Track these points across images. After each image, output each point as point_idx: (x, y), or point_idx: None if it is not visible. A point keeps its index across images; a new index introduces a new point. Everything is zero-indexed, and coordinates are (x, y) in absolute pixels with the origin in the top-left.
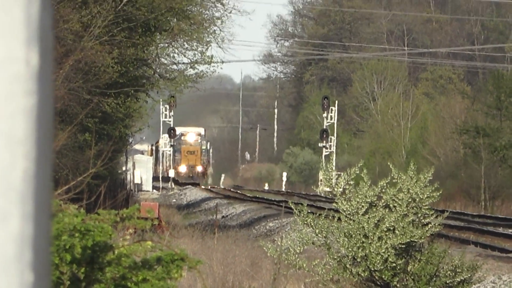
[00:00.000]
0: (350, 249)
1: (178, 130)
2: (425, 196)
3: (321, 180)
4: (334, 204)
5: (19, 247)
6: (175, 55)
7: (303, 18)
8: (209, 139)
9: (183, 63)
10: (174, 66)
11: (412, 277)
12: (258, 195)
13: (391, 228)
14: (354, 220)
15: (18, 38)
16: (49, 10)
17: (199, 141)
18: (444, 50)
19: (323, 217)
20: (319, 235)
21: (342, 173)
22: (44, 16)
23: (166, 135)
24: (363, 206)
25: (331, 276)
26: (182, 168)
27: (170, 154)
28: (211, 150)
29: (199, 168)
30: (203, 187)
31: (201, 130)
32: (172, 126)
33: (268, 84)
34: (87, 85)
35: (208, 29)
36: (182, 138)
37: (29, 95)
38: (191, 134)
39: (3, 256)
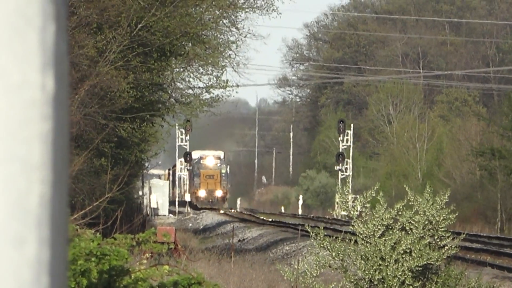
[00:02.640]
0: (367, 272)
1: (197, 153)
2: (442, 218)
3: (337, 203)
4: (351, 227)
5: (36, 272)
6: (191, 79)
7: (318, 42)
8: (228, 163)
9: (199, 87)
10: (190, 91)
11: None
12: (275, 219)
13: (408, 251)
14: (370, 243)
15: (34, 63)
16: (64, 36)
17: (219, 164)
18: (459, 73)
19: (339, 240)
20: (335, 258)
21: (358, 196)
22: (60, 41)
23: (182, 159)
24: (379, 229)
25: None
26: (201, 193)
27: (186, 178)
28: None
29: (219, 193)
30: (222, 211)
31: (221, 154)
32: (188, 150)
33: (284, 107)
34: (103, 110)
35: (223, 54)
36: (201, 162)
37: (45, 120)
38: (210, 158)
39: (20, 281)
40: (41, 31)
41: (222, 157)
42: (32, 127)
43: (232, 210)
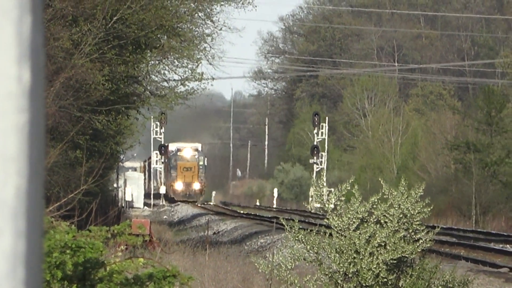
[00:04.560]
0: (341, 265)
1: (173, 145)
2: (416, 211)
3: (312, 196)
4: (325, 220)
5: (12, 264)
6: (166, 72)
7: (293, 35)
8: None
9: (174, 80)
10: (165, 83)
11: None
12: (250, 212)
13: (383, 244)
14: (345, 236)
15: (10, 55)
16: (40, 28)
17: (196, 156)
18: (434, 66)
19: (314, 233)
20: (310, 251)
21: (333, 189)
22: (36, 33)
23: (157, 152)
24: (354, 222)
25: None
26: (178, 185)
27: (161, 172)
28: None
29: (196, 185)
30: (199, 205)
31: (198, 146)
32: (163, 143)
33: (259, 100)
34: (78, 103)
35: (198, 46)
36: (178, 153)
37: (21, 112)
38: (188, 150)
39: None
40: (17, 23)
41: (199, 149)
42: (8, 119)
43: (210, 203)
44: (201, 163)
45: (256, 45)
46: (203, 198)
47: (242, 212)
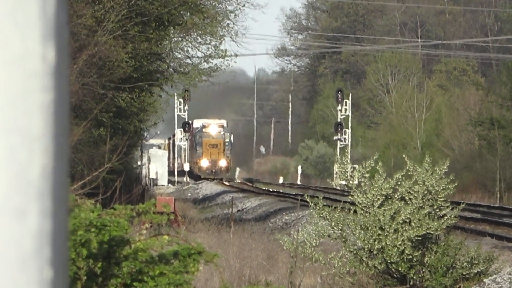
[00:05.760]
0: (366, 242)
1: (199, 122)
2: (441, 188)
3: (336, 173)
4: (350, 197)
5: (38, 243)
6: (189, 49)
7: (316, 11)
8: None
9: (197, 57)
10: (188, 60)
11: (428, 269)
12: (273, 189)
13: (407, 221)
14: (370, 213)
15: (34, 34)
16: (64, 6)
17: (222, 133)
18: (457, 42)
19: (339, 210)
20: (335, 228)
21: (357, 166)
22: (60, 12)
23: (181, 129)
24: (378, 199)
25: (347, 269)
26: (204, 163)
27: (185, 149)
28: None
29: (222, 162)
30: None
31: (224, 122)
32: (186, 120)
33: (282, 77)
34: (101, 80)
35: (221, 23)
36: (204, 130)
37: (46, 91)
38: (213, 126)
39: (22, 252)
40: (41, 2)
41: (225, 125)
42: (33, 98)
43: (237, 180)
44: (227, 140)
45: (279, 22)
46: (229, 175)
47: (266, 188)
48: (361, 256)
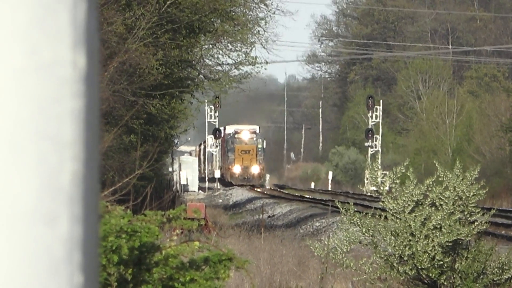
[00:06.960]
0: (397, 248)
1: (231, 128)
2: (471, 194)
3: (367, 179)
4: (381, 203)
5: (68, 249)
6: (219, 56)
7: (347, 18)
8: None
9: (228, 64)
10: (219, 67)
11: (459, 275)
12: (304, 195)
13: (438, 226)
14: (400, 219)
15: (65, 41)
16: (94, 13)
17: (255, 139)
18: (488, 48)
19: (369, 216)
20: (366, 234)
21: (388, 172)
22: (90, 18)
23: (212, 136)
24: (409, 205)
25: (378, 275)
26: (236, 169)
27: (216, 155)
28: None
29: (255, 169)
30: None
31: (256, 128)
32: (217, 126)
33: (313, 84)
34: (132, 87)
35: (252, 30)
36: (236, 136)
37: (76, 98)
38: (246, 132)
39: (53, 258)
40: (72, 9)
41: (257, 131)
42: (64, 105)
43: (267, 187)
44: (259, 146)
45: (309, 29)
46: (262, 182)
47: (297, 194)
48: (392, 262)
